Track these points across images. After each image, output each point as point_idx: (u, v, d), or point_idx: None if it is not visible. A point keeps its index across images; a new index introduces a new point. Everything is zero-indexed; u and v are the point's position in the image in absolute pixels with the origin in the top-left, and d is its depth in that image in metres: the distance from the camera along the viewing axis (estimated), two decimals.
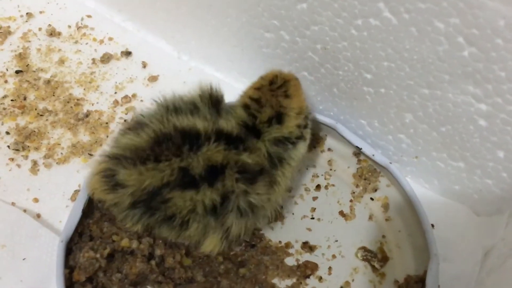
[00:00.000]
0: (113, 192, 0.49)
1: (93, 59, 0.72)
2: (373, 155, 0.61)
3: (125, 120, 0.65)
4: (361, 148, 0.62)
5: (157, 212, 0.50)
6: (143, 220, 0.50)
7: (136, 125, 0.51)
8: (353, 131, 0.64)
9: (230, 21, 0.64)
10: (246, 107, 0.53)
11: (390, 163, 0.61)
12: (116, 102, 0.68)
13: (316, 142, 0.66)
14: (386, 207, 0.61)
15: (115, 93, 0.69)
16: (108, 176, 0.49)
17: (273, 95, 0.52)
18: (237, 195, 0.49)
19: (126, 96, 0.69)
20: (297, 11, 0.57)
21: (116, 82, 0.70)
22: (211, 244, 0.51)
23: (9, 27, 0.73)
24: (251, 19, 0.62)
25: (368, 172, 0.63)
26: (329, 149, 0.66)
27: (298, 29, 0.59)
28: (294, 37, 0.60)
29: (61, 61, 0.71)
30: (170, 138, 0.49)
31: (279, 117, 0.53)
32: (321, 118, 0.64)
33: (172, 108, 0.52)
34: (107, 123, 0.66)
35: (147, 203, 0.49)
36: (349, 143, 0.63)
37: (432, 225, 0.57)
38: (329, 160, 0.65)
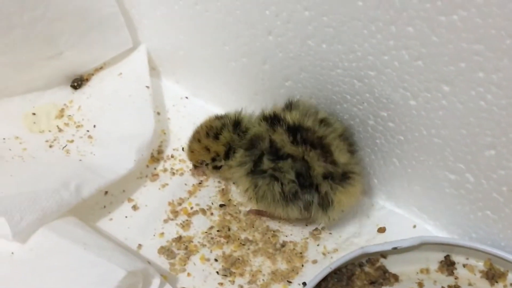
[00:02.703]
0: None
1: None
2: None
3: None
4: None
5: None
6: None
7: None
8: None
9: (415, 164, 0.71)
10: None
11: None
12: (310, 234, 0.75)
13: (498, 277, 0.69)
14: None
15: (306, 225, 0.77)
16: None
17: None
18: None
19: (316, 229, 0.76)
20: (485, 157, 0.63)
21: None
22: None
23: None
24: (437, 162, 0.68)
25: None
26: (511, 284, 0.68)
27: (484, 172, 0.65)
28: (479, 180, 0.66)
29: None
30: None
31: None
32: (503, 254, 0.68)
33: None
34: (301, 253, 0.73)
35: None
36: None
37: None
38: None
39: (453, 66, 0.59)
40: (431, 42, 0.59)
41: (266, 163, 0.67)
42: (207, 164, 0.75)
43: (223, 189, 0.81)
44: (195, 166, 0.78)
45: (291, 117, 0.67)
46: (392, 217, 0.75)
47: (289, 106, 0.71)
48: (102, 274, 0.62)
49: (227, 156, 0.73)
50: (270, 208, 0.70)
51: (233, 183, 0.79)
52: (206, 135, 0.73)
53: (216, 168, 0.75)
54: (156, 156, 0.85)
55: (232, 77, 0.85)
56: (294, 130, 0.66)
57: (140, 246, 0.73)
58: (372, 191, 0.78)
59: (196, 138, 0.74)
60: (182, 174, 0.83)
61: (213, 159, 0.74)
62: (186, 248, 0.73)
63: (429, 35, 0.59)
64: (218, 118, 0.74)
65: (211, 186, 0.82)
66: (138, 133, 0.79)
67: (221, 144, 0.73)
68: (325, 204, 0.67)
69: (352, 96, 0.72)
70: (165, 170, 0.83)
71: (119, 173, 0.75)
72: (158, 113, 0.88)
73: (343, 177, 0.66)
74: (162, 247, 0.73)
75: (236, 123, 0.73)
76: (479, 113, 0.60)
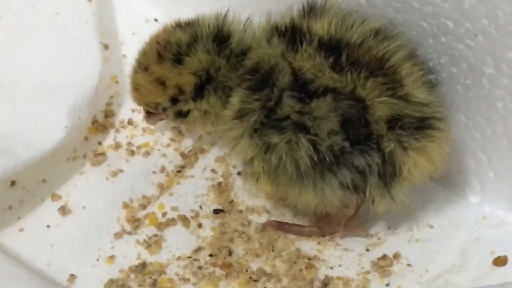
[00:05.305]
0: None
1: None
2: None
3: None
4: None
5: None
6: None
7: None
8: None
9: None
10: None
11: None
12: (373, 264, 0.52)
13: None
14: None
15: (367, 250, 0.53)
16: None
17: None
18: None
19: (384, 256, 0.52)
20: None
21: None
22: None
23: None
24: None
25: None
26: None
27: None
28: None
29: None
30: None
31: None
32: None
33: None
34: None
35: None
36: None
37: None
38: None
39: None
40: None
41: (288, 104, 0.46)
42: (164, 109, 0.54)
43: (219, 183, 0.59)
44: (148, 113, 0.57)
45: (321, 27, 0.48)
46: None
47: (313, 11, 0.51)
48: None
49: (198, 93, 0.52)
50: (291, 191, 0.48)
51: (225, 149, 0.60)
52: (158, 58, 0.52)
53: (180, 115, 0.54)
54: (102, 121, 0.63)
55: None
56: (332, 48, 0.47)
57: (72, 277, 0.53)
58: (486, 193, 0.57)
59: (143, 64, 0.53)
60: (148, 153, 0.61)
61: (174, 100, 0.53)
62: (154, 284, 0.53)
63: None
64: (180, 26, 0.53)
65: (199, 177, 0.59)
66: (70, 81, 0.59)
67: (188, 72, 0.51)
68: (388, 172, 0.46)
69: (458, 24, 0.49)
70: (117, 146, 0.61)
71: (37, 149, 0.55)
72: (106, 47, 0.64)
73: (421, 126, 0.46)
74: (111, 281, 0.53)
75: (220, 36, 0.51)
76: None
